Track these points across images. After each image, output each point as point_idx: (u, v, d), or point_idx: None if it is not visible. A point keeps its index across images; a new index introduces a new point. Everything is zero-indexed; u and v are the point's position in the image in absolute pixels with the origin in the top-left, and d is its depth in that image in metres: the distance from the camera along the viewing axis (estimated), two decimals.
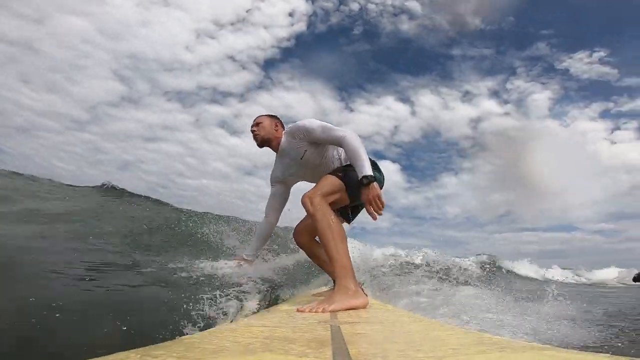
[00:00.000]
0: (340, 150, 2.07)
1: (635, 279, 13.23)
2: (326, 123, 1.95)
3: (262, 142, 2.17)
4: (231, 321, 1.54)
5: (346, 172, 1.87)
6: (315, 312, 1.31)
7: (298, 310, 1.35)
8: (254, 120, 2.20)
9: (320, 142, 1.99)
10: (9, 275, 1.39)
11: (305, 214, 2.24)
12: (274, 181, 2.27)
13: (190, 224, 3.41)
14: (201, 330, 1.31)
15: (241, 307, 1.76)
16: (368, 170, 1.71)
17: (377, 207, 1.69)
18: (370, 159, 2.03)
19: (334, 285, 1.80)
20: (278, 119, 2.24)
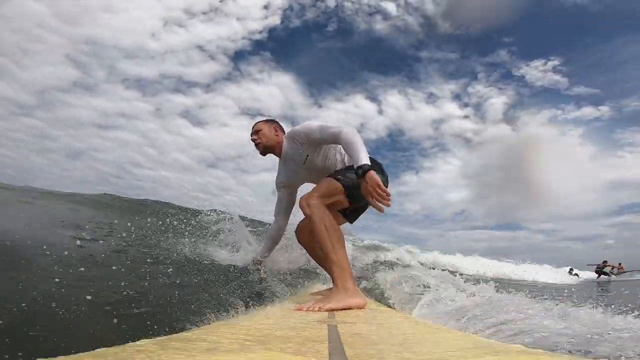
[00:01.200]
0: (343, 151, 2.07)
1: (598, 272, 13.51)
2: (324, 123, 1.93)
3: (264, 150, 2.15)
4: (228, 318, 1.55)
5: (345, 174, 1.85)
6: (313, 310, 1.31)
7: (295, 309, 1.35)
8: (253, 128, 2.18)
9: (320, 143, 1.98)
10: None
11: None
12: (279, 186, 2.28)
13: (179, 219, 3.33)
14: (197, 326, 1.31)
15: (238, 305, 1.77)
16: (364, 160, 1.60)
17: (378, 196, 1.53)
18: (373, 159, 2.02)
19: (333, 285, 1.80)
20: (277, 122, 2.23)
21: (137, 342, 0.53)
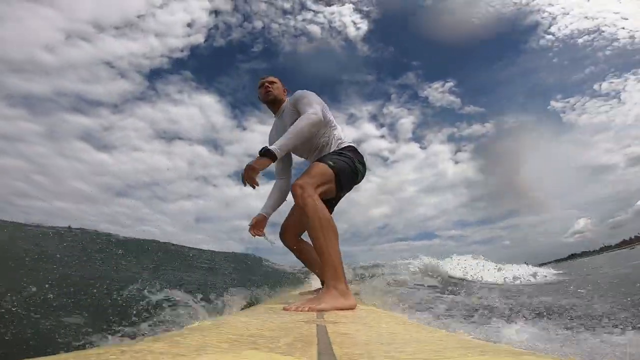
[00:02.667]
0: (335, 132, 2.07)
1: None
2: (315, 99, 1.93)
3: (272, 101, 2.16)
4: (216, 317, 1.53)
5: (338, 161, 1.84)
6: (302, 310, 1.31)
7: (284, 309, 1.34)
8: (266, 78, 2.17)
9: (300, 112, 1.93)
10: None
11: (289, 211, 2.22)
12: (270, 145, 2.26)
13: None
14: (184, 327, 1.30)
15: (226, 304, 1.75)
16: (275, 146, 1.66)
17: (247, 176, 1.66)
18: (355, 150, 2.03)
19: (322, 286, 1.78)
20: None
21: (123, 342, 0.52)
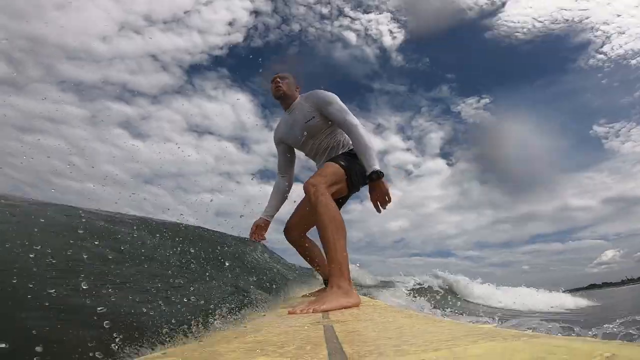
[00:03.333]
0: (345, 135, 2.05)
1: None
2: (344, 106, 1.95)
3: (282, 96, 2.13)
4: (220, 329, 1.52)
5: (350, 161, 1.85)
6: (307, 312, 1.31)
7: (289, 313, 1.34)
8: (279, 74, 2.17)
9: (330, 118, 1.96)
10: None
11: (295, 207, 2.20)
12: (276, 141, 2.26)
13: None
14: (190, 336, 1.28)
15: (229, 313, 1.74)
16: (377, 165, 1.72)
17: (384, 201, 1.75)
18: None
19: (325, 285, 1.78)
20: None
21: (137, 358, 0.52)
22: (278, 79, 2.14)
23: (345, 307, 1.42)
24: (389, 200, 1.76)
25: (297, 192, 2.17)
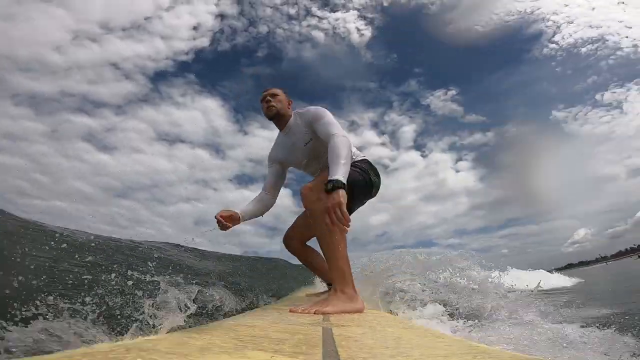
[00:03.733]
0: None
1: None
2: (333, 120, 1.81)
3: (275, 115, 1.98)
4: (222, 318, 1.54)
5: (352, 172, 1.78)
6: (308, 313, 1.31)
7: (290, 311, 1.34)
8: (269, 90, 2.01)
9: (317, 134, 1.84)
10: None
11: (296, 217, 2.19)
12: (272, 160, 2.11)
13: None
14: (190, 326, 1.30)
15: (231, 305, 1.76)
16: (339, 176, 1.49)
17: (336, 217, 1.41)
18: (368, 162, 1.99)
19: (329, 289, 1.77)
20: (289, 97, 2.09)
21: (128, 341, 0.53)
22: (269, 98, 1.98)
23: (348, 312, 1.41)
24: (344, 217, 1.41)
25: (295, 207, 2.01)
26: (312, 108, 1.90)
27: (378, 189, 1.97)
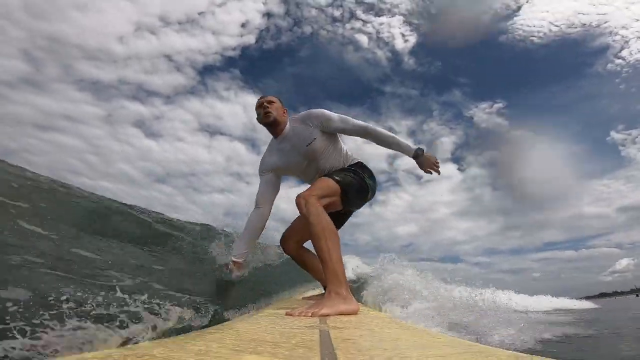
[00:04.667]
0: (343, 153, 2.04)
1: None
2: (341, 115, 1.95)
3: (273, 122, 1.99)
4: (217, 323, 1.52)
5: (346, 177, 1.83)
6: (305, 316, 1.30)
7: (287, 314, 1.34)
8: (265, 98, 2.02)
9: (337, 132, 1.95)
10: None
11: (291, 220, 2.20)
12: (265, 169, 2.10)
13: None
14: (185, 332, 1.29)
15: (226, 309, 1.74)
16: (413, 145, 1.92)
17: (435, 168, 1.93)
18: (364, 165, 2.02)
19: (324, 291, 1.78)
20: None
21: (126, 346, 0.52)
22: (266, 104, 2.00)
23: (343, 313, 1.41)
24: (438, 165, 1.93)
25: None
26: (313, 110, 1.95)
27: (374, 192, 2.01)
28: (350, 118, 1.94)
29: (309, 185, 1.86)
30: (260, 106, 2.01)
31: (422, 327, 1.50)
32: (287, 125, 2.02)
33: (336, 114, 1.94)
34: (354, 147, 2.13)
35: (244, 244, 2.08)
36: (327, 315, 1.34)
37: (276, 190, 2.12)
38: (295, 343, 0.71)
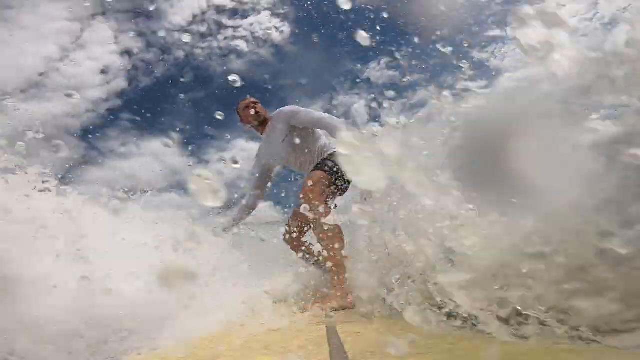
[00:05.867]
0: (321, 141, 2.13)
1: None
2: (309, 109, 2.08)
3: (263, 121, 2.18)
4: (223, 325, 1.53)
5: (332, 166, 1.94)
6: (310, 310, 1.31)
7: (293, 312, 1.35)
8: (250, 99, 2.23)
9: (302, 126, 2.06)
10: None
11: (292, 213, 2.23)
12: (261, 157, 2.29)
13: None
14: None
15: (233, 309, 1.74)
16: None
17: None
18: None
19: (328, 285, 1.79)
20: None
21: (138, 355, 0.53)
22: (253, 104, 2.18)
23: (347, 308, 1.42)
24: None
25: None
26: (283, 108, 2.12)
27: (349, 185, 2.07)
28: (312, 111, 2.06)
29: (306, 175, 1.99)
30: (247, 107, 2.17)
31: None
32: (269, 123, 2.18)
33: (303, 109, 2.07)
34: None
35: (234, 219, 2.22)
36: (331, 309, 1.35)
37: (268, 178, 2.29)
38: (304, 339, 0.71)
